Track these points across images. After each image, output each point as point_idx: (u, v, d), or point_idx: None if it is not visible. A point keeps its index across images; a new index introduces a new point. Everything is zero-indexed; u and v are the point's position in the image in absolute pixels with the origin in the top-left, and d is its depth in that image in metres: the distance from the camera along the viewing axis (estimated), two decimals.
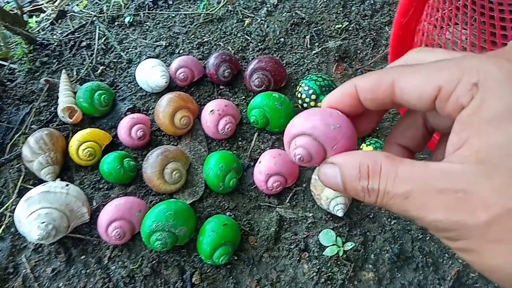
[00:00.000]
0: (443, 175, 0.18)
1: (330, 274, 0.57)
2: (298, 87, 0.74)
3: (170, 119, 0.71)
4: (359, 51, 0.84)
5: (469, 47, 0.76)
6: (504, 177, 0.16)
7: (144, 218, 0.58)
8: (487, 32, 0.82)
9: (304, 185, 0.67)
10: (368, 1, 0.92)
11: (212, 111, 0.70)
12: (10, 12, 0.87)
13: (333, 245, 0.57)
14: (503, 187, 0.16)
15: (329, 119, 0.22)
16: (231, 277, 0.59)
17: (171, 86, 0.82)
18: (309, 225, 0.62)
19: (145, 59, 0.89)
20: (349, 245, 0.56)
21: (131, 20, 0.98)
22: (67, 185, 0.62)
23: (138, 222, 0.60)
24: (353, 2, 0.92)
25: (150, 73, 0.79)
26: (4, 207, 0.65)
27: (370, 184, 0.19)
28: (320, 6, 0.92)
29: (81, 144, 0.70)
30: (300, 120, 0.23)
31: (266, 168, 0.63)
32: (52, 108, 0.81)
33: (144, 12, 0.99)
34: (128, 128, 0.72)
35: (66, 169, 0.72)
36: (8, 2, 1.18)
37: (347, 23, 0.88)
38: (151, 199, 0.67)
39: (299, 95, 0.73)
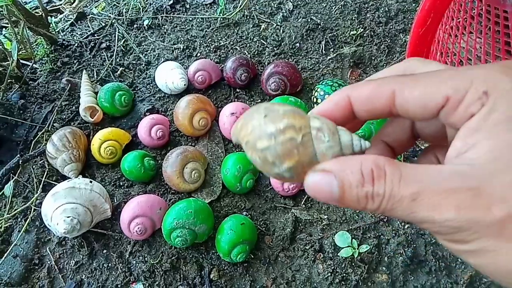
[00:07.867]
0: (452, 175, 0.17)
1: (344, 275, 0.59)
2: (313, 91, 0.76)
3: (189, 120, 0.73)
4: (373, 58, 0.85)
5: (484, 56, 0.78)
6: None
7: (166, 215, 0.60)
8: (501, 41, 0.83)
9: None
10: (382, 8, 0.93)
11: (233, 113, 0.73)
12: (35, 14, 0.90)
13: (348, 246, 0.59)
14: None
15: None
16: (248, 275, 0.60)
17: (189, 88, 0.85)
18: (324, 227, 0.64)
19: (163, 61, 0.92)
20: (363, 248, 0.58)
21: (149, 23, 1.01)
22: (90, 181, 0.65)
23: (159, 219, 0.62)
24: (367, 9, 0.94)
25: (169, 75, 0.82)
26: (30, 201, 0.68)
27: (376, 188, 0.18)
28: (335, 13, 0.94)
29: (103, 143, 0.72)
30: None
31: None
32: (74, 107, 0.84)
33: (162, 15, 1.02)
34: (148, 128, 0.74)
35: (88, 166, 0.74)
36: (27, 2, 1.21)
37: (362, 29, 0.90)
38: (170, 197, 0.69)
39: (314, 100, 0.74)
